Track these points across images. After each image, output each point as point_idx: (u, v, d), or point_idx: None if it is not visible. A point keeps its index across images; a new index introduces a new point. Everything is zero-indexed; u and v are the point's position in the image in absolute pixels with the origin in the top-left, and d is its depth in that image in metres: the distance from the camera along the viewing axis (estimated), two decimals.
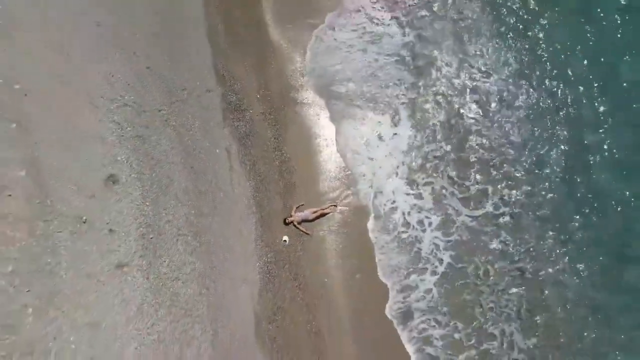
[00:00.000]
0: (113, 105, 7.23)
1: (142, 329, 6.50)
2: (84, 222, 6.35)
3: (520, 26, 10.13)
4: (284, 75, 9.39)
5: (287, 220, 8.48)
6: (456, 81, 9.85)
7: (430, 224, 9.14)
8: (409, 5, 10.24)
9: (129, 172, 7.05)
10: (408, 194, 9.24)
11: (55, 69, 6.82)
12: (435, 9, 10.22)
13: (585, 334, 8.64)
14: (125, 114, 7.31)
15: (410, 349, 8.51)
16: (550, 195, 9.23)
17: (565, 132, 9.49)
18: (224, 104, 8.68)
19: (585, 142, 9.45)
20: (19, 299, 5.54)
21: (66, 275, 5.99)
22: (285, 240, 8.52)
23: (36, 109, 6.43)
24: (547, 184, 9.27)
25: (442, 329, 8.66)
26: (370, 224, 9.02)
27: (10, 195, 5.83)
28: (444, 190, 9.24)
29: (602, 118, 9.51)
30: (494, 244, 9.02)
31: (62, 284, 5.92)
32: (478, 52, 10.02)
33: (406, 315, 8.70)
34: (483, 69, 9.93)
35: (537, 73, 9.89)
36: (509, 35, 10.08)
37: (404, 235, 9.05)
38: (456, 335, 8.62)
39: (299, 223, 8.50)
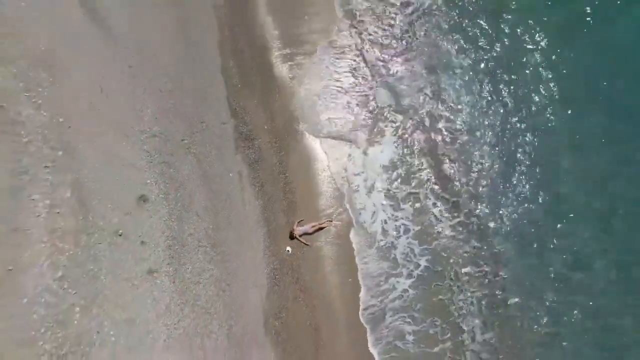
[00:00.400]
0: (143, 136, 7.93)
1: (170, 324, 7.23)
2: (120, 235, 7.04)
3: (494, 59, 10.61)
4: (287, 108, 10.03)
5: (292, 235, 9.22)
6: (435, 109, 10.32)
7: (407, 231, 9.79)
8: (397, 51, 10.75)
9: (157, 193, 7.77)
10: (385, 205, 9.85)
11: (94, 105, 7.40)
12: (418, 48, 10.61)
13: (535, 328, 9.53)
14: (154, 144, 8.02)
15: (374, 351, 9.20)
16: (512, 206, 10.02)
17: (532, 152, 10.26)
18: (236, 134, 9.35)
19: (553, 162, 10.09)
20: (68, 299, 6.23)
21: (106, 279, 6.68)
22: (288, 250, 9.32)
23: (78, 139, 7.04)
24: (510, 195, 10.08)
25: (416, 325, 9.35)
26: (353, 235, 9.71)
27: (58, 212, 6.49)
28: (422, 201, 9.89)
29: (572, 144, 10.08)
30: (465, 249, 9.79)
31: (103, 287, 6.62)
32: (458, 84, 10.45)
33: (379, 319, 9.29)
34: (462, 97, 10.42)
35: (510, 101, 10.37)
36: (485, 70, 10.53)
37: (382, 244, 9.69)
38: (431, 331, 9.37)
39: (300, 236, 9.27)
